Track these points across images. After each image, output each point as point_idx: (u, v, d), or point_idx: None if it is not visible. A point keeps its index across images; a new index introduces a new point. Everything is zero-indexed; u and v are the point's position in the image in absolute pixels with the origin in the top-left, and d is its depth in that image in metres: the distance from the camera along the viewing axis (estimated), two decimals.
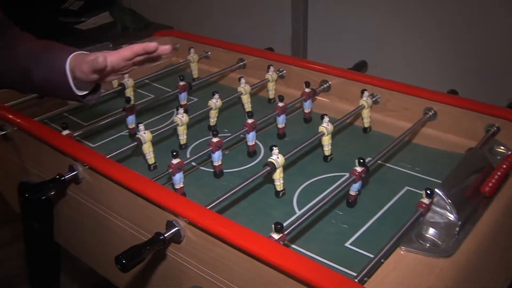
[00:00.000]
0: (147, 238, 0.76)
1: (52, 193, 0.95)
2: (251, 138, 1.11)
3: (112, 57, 0.89)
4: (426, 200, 0.79)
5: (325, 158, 1.11)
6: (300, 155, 1.12)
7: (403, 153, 1.14)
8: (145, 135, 1.04)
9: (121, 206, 0.89)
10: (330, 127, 1.07)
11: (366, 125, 1.22)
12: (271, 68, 1.36)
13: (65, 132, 1.04)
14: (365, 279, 0.68)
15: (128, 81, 1.35)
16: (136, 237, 0.87)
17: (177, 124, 1.12)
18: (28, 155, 1.11)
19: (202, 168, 1.10)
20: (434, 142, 1.15)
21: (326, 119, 1.07)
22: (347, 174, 0.92)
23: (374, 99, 1.22)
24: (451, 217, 0.78)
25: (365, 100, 1.19)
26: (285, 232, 0.75)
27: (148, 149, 1.05)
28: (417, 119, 1.14)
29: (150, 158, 1.07)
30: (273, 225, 0.74)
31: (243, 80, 1.29)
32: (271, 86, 1.37)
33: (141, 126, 1.04)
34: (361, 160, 0.91)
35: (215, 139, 1.01)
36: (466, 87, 1.36)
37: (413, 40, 1.72)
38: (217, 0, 2.27)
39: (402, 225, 0.76)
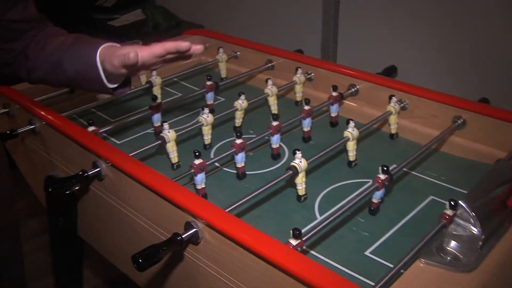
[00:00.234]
0: (166, 238, 0.77)
1: (76, 188, 0.96)
2: (275, 141, 1.10)
3: (144, 53, 0.88)
4: (449, 212, 0.77)
5: (350, 163, 1.09)
6: (324, 159, 1.11)
7: (429, 161, 1.11)
8: (169, 134, 1.04)
9: (142, 205, 0.90)
10: (355, 132, 1.05)
11: (393, 131, 1.20)
12: (299, 70, 1.35)
13: (91, 129, 1.06)
14: None
15: (156, 79, 1.35)
16: (155, 236, 0.87)
17: (202, 124, 1.12)
18: (55, 149, 1.12)
19: (225, 169, 1.10)
20: (462, 151, 1.12)
21: (351, 124, 1.05)
22: (371, 181, 0.91)
23: (402, 105, 1.20)
24: (475, 230, 0.75)
25: (393, 106, 1.17)
26: (304, 238, 0.75)
27: (172, 148, 1.06)
28: (445, 127, 1.11)
29: (174, 157, 1.07)
30: (291, 231, 0.74)
31: (270, 82, 1.28)
32: (298, 88, 1.36)
33: (166, 125, 1.05)
34: (385, 168, 0.89)
35: (238, 141, 1.00)
36: (498, 96, 1.33)
37: (444, 46, 1.69)
38: (248, 0, 2.27)
39: (423, 237, 0.75)
